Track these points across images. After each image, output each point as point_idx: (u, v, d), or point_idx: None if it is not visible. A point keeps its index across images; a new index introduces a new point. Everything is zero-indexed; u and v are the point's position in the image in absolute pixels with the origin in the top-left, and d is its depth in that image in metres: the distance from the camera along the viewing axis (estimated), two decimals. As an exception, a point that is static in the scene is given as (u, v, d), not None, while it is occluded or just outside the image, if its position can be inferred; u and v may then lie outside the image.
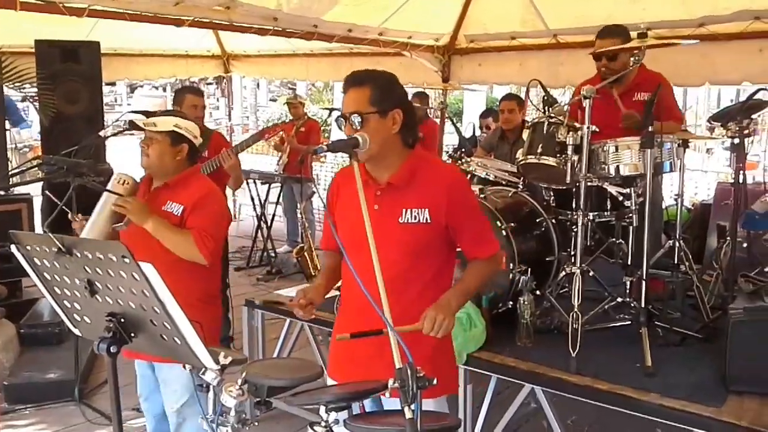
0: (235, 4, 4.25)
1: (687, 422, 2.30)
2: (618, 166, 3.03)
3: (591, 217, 3.19)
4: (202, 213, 2.52)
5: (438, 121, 6.12)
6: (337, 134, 8.94)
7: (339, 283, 2.18)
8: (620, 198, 3.08)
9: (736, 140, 3.15)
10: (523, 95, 5.51)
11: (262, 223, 6.77)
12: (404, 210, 1.96)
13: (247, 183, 6.62)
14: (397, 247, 1.93)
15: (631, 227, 3.09)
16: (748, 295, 2.75)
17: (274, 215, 7.09)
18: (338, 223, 2.05)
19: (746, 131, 3.17)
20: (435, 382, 1.36)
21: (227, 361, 1.74)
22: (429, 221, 1.95)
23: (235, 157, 3.84)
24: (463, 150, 3.94)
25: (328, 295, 2.10)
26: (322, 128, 7.28)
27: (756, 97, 3.24)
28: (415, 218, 1.95)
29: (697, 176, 9.04)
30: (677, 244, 3.26)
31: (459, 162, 3.86)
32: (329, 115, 7.31)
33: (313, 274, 5.08)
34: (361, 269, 1.62)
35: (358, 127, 1.91)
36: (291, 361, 2.79)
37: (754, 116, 3.34)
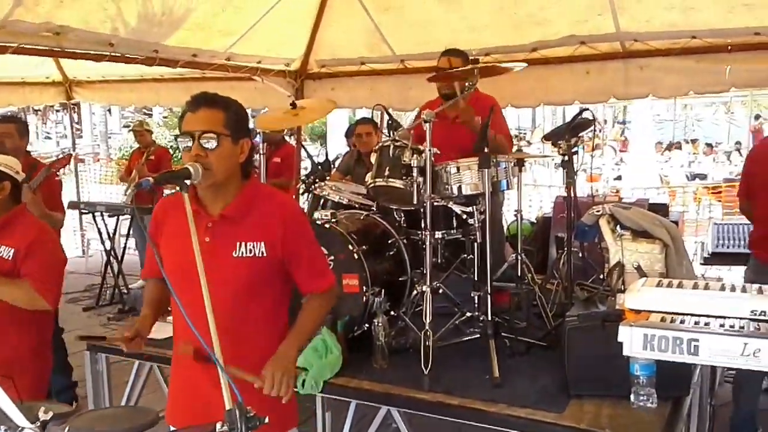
0: (66, 29, 4.02)
1: (532, 429, 2.40)
2: (460, 186, 3.16)
3: (439, 236, 3.29)
4: (37, 257, 2.35)
5: (295, 144, 6.11)
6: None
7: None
8: (464, 216, 3.20)
9: (566, 157, 3.39)
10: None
11: (111, 258, 6.40)
12: (238, 243, 1.90)
13: (94, 216, 6.25)
14: (232, 281, 1.87)
15: (475, 243, 3.21)
16: (583, 302, 2.93)
17: (125, 249, 6.73)
18: (164, 255, 1.95)
19: (574, 149, 3.41)
20: (266, 420, 1.31)
21: (48, 417, 1.59)
22: (264, 255, 1.90)
23: (32, 193, 3.51)
24: (316, 175, 3.94)
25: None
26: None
27: (582, 116, 3.50)
28: (250, 252, 1.89)
29: (544, 191, 9.67)
30: (519, 257, 3.44)
31: (312, 186, 3.86)
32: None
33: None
34: (191, 304, 1.55)
35: (210, 148, 1.82)
36: (123, 409, 2.63)
37: (581, 134, 3.60)
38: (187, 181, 1.78)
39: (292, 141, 6.34)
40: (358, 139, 5.32)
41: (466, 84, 3.30)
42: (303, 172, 5.95)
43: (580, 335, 2.58)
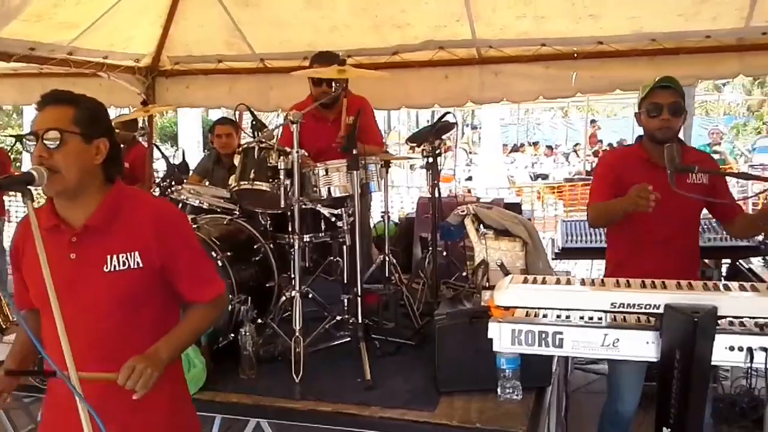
0: None
1: (406, 430, 2.41)
2: (329, 188, 3.11)
3: (307, 239, 3.23)
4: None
5: (146, 146, 5.76)
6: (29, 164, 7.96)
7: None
8: (332, 219, 3.16)
9: (430, 159, 3.45)
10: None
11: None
12: (109, 257, 1.70)
13: None
14: (106, 299, 1.69)
15: (344, 246, 3.18)
16: (449, 300, 3.00)
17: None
18: (29, 281, 1.74)
19: (438, 150, 3.48)
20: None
21: None
22: (140, 266, 1.72)
23: None
24: (172, 177, 3.73)
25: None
26: (12, 157, 6.40)
27: (444, 119, 3.59)
28: (124, 264, 1.71)
29: (403, 191, 9.89)
30: (387, 257, 3.46)
31: (169, 190, 3.65)
32: (15, 143, 6.45)
33: (4, 326, 4.38)
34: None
35: (53, 148, 1.63)
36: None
37: (444, 137, 3.69)
38: (31, 187, 1.58)
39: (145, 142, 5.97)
40: (217, 139, 5.11)
41: (334, 85, 3.26)
42: (156, 175, 5.64)
43: (449, 333, 2.62)
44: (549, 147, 19.25)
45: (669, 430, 2.08)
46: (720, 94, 22.93)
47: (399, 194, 10.98)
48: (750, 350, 1.94)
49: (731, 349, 1.96)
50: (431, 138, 3.44)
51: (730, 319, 1.99)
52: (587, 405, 4.31)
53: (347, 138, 3.02)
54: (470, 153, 17.84)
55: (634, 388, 2.89)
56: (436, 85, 5.17)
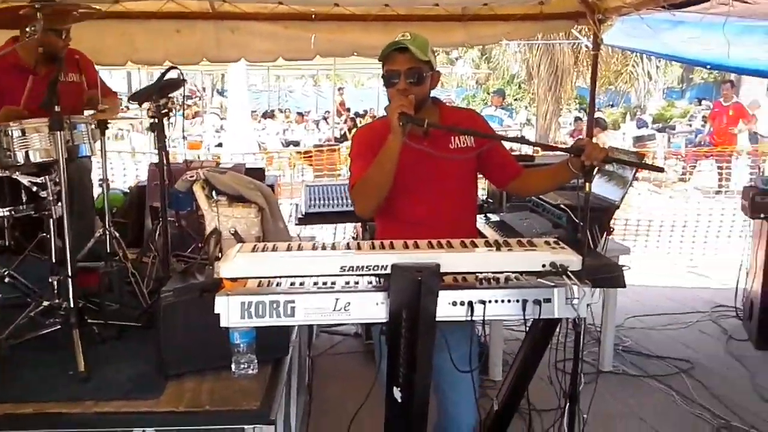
0: None
1: (125, 424, 2.13)
2: (27, 153, 2.64)
3: (5, 214, 2.73)
4: None
5: None
6: None
7: None
8: (35, 188, 2.69)
9: (156, 120, 3.11)
10: None
11: None
12: None
13: None
14: None
15: (51, 220, 2.74)
16: (180, 274, 2.74)
17: None
18: None
19: (164, 110, 3.15)
20: None
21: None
22: None
23: None
24: None
25: None
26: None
27: (168, 76, 3.24)
28: None
29: (142, 158, 9.15)
30: (108, 231, 3.07)
31: None
32: None
33: None
34: None
35: None
36: None
37: (171, 95, 3.35)
38: None
39: None
40: None
41: (27, 29, 2.76)
42: None
43: (176, 310, 2.38)
44: (300, 114, 19.36)
45: (399, 389, 2.10)
46: (453, 67, 24.98)
47: (140, 161, 10.18)
48: (470, 304, 2.01)
49: (454, 304, 2.01)
50: (155, 96, 3.09)
51: (453, 274, 2.05)
52: (332, 367, 4.37)
53: (49, 90, 2.57)
54: (223, 119, 17.25)
55: None
56: (167, 40, 4.75)
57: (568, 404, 2.62)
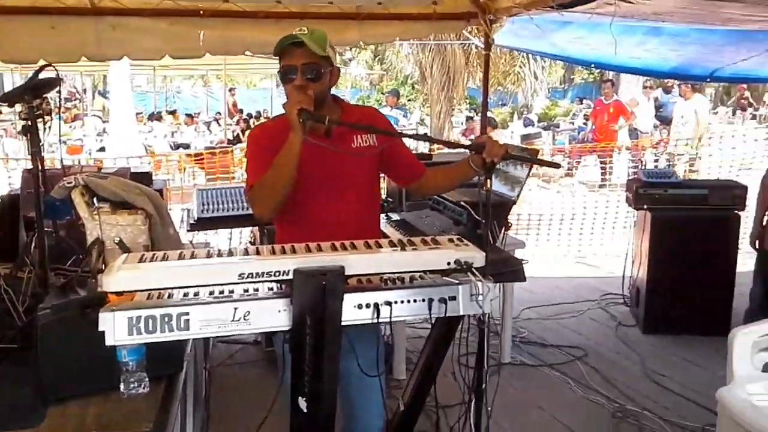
0: None
1: (-2, 459, 1.92)
2: None
3: None
4: None
5: None
6: None
7: None
8: None
9: (28, 122, 2.85)
10: None
11: None
12: None
13: None
14: None
15: None
16: (59, 289, 2.53)
17: None
18: None
19: (38, 112, 2.89)
20: None
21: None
22: None
23: None
24: None
25: None
26: None
27: (43, 75, 2.99)
28: None
29: (16, 165, 8.51)
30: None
31: None
32: None
33: None
34: None
35: None
36: None
37: (46, 96, 3.09)
38: None
39: None
40: None
41: None
42: None
43: (55, 329, 2.17)
44: (189, 115, 18.70)
45: (305, 399, 2.02)
46: (347, 68, 25.02)
47: (15, 168, 9.48)
48: (376, 305, 1.95)
49: (359, 306, 1.95)
50: (28, 96, 2.83)
51: (358, 277, 1.99)
52: (231, 378, 4.21)
53: None
54: (105, 122, 16.40)
55: None
56: (42, 37, 4.39)
57: (474, 399, 2.63)
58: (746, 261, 4.87)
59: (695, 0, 3.85)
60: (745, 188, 4.85)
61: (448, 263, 1.96)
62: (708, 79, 6.68)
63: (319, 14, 4.64)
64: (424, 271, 2.01)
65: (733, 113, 22.98)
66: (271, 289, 2.00)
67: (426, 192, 2.83)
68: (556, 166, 2.91)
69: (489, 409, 2.63)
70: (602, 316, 5.32)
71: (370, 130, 2.43)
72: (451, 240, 2.09)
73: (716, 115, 20.31)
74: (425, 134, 12.24)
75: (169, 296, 1.93)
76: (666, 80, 12.16)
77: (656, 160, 9.93)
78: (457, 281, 2.00)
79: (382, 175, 2.63)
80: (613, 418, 3.65)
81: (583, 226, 7.80)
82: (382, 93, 21.86)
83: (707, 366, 4.22)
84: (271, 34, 4.37)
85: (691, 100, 10.85)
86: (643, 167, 7.99)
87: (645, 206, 4.89)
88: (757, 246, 4.16)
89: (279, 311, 1.91)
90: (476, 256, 1.98)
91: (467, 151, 2.41)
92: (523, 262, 3.03)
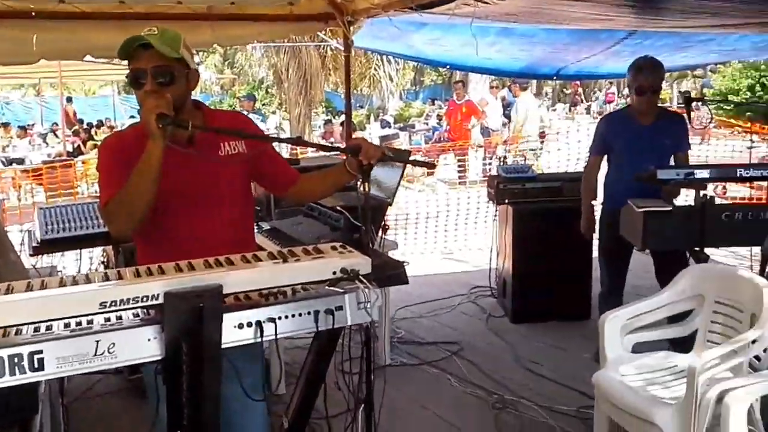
0: None
1: None
2: None
3: None
4: None
5: None
6: None
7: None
8: None
9: None
10: None
11: None
12: None
13: None
14: None
15: None
16: None
17: None
18: None
19: None
20: None
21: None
22: None
23: None
24: None
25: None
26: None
27: None
28: None
29: None
30: None
31: None
32: None
33: None
34: None
35: None
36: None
37: None
38: None
39: None
40: None
41: None
42: None
43: None
44: (22, 128, 17.15)
45: (184, 432, 1.84)
46: (195, 73, 24.12)
47: None
48: (259, 323, 1.82)
49: (240, 326, 1.81)
50: None
51: (236, 294, 1.83)
52: (92, 412, 3.85)
53: None
54: None
55: None
56: None
57: (361, 406, 2.55)
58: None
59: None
60: (594, 179, 5.16)
61: (334, 272, 1.86)
62: (555, 77, 7.08)
63: (167, 15, 4.35)
64: (307, 283, 1.90)
65: (570, 109, 24.82)
66: (137, 315, 1.80)
67: (301, 199, 2.70)
68: (432, 165, 2.91)
69: (376, 414, 2.57)
70: (473, 309, 5.45)
71: (238, 134, 2.28)
72: (334, 248, 2.00)
73: (555, 111, 21.74)
74: (298, 137, 12.02)
75: (17, 333, 1.68)
76: (511, 80, 12.76)
77: (505, 158, 10.41)
78: (342, 290, 1.90)
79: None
80: (493, 409, 3.72)
81: (448, 223, 8.00)
82: (235, 97, 21.29)
83: (574, 350, 4.42)
84: (115, 36, 4.02)
85: (519, 97, 11.43)
86: (501, 164, 8.32)
87: (506, 201, 5.06)
88: (590, 234, 4.32)
89: (149, 339, 1.73)
90: (362, 263, 1.90)
91: (328, 153, 2.33)
92: (404, 263, 2.99)
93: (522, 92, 11.31)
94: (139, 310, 1.76)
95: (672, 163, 3.92)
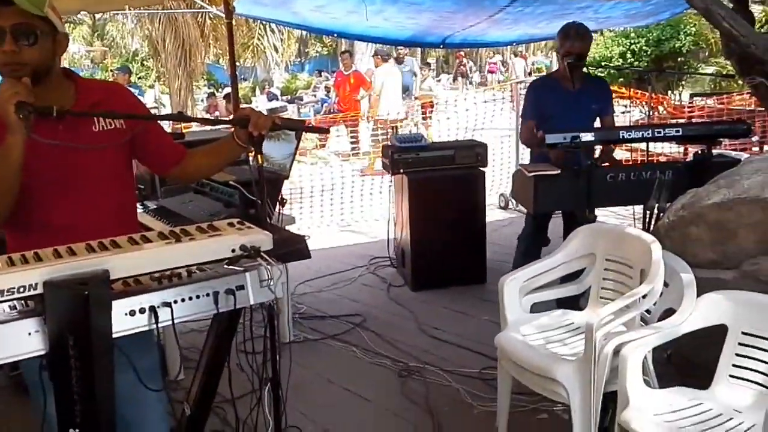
0: None
1: None
2: None
3: None
4: None
5: None
6: None
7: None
8: None
9: None
10: None
11: None
12: None
13: None
14: None
15: None
16: None
17: None
18: None
19: None
20: None
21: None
22: None
23: None
24: None
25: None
26: None
27: None
28: None
29: None
30: None
31: None
32: None
33: None
34: None
35: None
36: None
37: None
38: None
39: None
40: None
41: None
42: None
43: None
44: None
45: (78, 430, 1.69)
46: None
47: None
48: (153, 309, 1.69)
49: (132, 313, 1.68)
50: None
51: (124, 279, 1.69)
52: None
53: None
54: None
55: None
56: None
57: (268, 386, 2.47)
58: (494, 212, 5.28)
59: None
60: (485, 146, 5.25)
61: (233, 250, 1.76)
62: (441, 46, 7.12)
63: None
64: (204, 263, 1.79)
65: (454, 80, 25.32)
66: (14, 308, 1.64)
67: (189, 177, 2.51)
68: (326, 131, 2.82)
69: (283, 393, 2.50)
70: (373, 280, 5.44)
71: (113, 116, 2.07)
72: (231, 224, 1.89)
73: (440, 82, 22.10)
74: (180, 112, 11.45)
75: None
76: (397, 50, 12.72)
77: (395, 127, 10.40)
78: (242, 269, 1.81)
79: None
80: (399, 377, 3.73)
81: (343, 195, 7.94)
82: (108, 71, 20.02)
83: (474, 314, 4.52)
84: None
85: (381, 67, 11.12)
86: (394, 134, 8.32)
87: (401, 170, 5.06)
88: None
89: (29, 334, 1.57)
90: (263, 239, 1.81)
91: (216, 127, 2.19)
92: (305, 238, 2.90)
93: (384, 63, 11.09)
94: (15, 302, 1.60)
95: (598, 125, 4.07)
